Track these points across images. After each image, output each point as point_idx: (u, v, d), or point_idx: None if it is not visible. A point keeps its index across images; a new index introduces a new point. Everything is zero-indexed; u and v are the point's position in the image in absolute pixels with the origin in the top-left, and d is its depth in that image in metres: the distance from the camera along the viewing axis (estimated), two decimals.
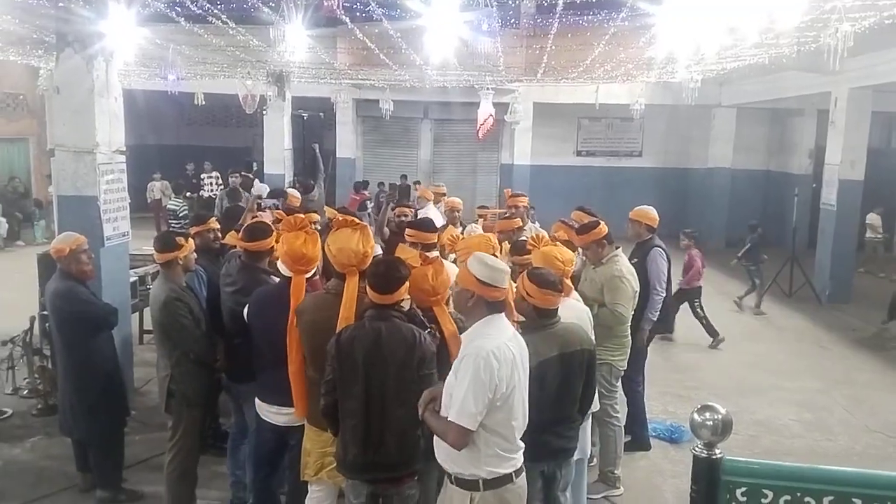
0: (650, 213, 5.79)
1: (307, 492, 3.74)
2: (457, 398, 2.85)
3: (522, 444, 3.08)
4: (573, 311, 4.00)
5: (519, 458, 3.06)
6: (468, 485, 3.00)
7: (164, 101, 15.59)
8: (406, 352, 3.19)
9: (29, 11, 7.16)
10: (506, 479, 3.00)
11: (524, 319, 3.56)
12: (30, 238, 15.10)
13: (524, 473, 3.10)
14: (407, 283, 3.37)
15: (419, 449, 3.33)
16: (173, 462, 4.37)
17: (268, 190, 8.36)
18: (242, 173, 11.06)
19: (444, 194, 9.00)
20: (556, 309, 3.53)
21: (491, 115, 14.71)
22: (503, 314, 3.09)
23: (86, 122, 5.61)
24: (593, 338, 4.19)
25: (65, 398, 4.76)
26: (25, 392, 6.39)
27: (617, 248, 5.12)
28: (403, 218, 7.02)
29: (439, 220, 8.03)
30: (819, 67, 9.09)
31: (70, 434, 4.83)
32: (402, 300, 3.38)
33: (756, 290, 10.81)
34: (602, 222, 5.13)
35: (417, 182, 15.35)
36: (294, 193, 8.30)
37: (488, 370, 2.84)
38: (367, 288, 3.32)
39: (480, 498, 2.98)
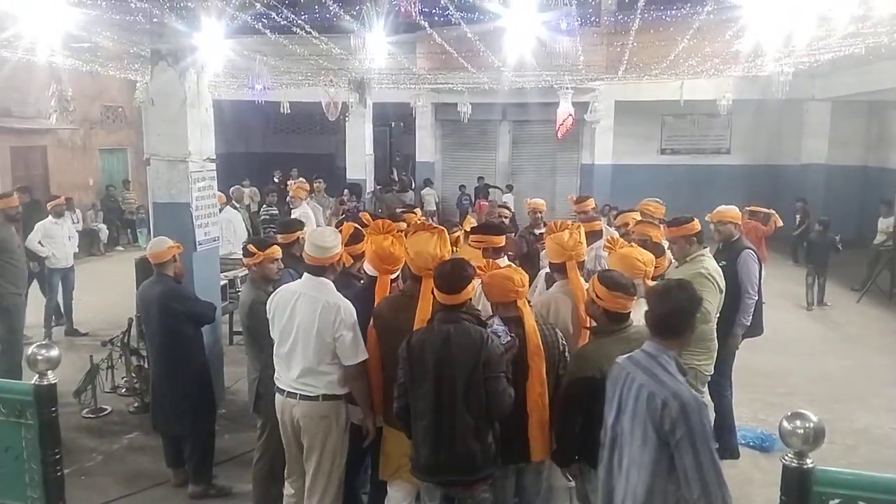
0: (734, 210, 5.70)
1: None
2: None
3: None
4: None
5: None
6: None
7: (251, 110, 16.19)
8: (474, 353, 3.19)
9: (126, 28, 7.51)
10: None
11: (595, 324, 3.48)
12: (129, 244, 15.88)
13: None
14: (473, 283, 3.36)
15: (491, 452, 3.31)
16: (261, 461, 4.49)
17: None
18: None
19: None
20: (629, 313, 3.39)
21: (570, 114, 14.53)
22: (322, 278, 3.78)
23: (179, 132, 5.84)
24: None
25: (160, 396, 4.97)
26: (123, 391, 6.71)
27: (704, 247, 5.02)
28: (504, 220, 7.17)
29: (312, 219, 8.22)
30: None
31: (163, 431, 5.04)
32: (469, 300, 3.38)
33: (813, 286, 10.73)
34: (696, 219, 5.04)
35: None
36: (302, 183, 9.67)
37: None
38: (434, 289, 3.34)
39: None
